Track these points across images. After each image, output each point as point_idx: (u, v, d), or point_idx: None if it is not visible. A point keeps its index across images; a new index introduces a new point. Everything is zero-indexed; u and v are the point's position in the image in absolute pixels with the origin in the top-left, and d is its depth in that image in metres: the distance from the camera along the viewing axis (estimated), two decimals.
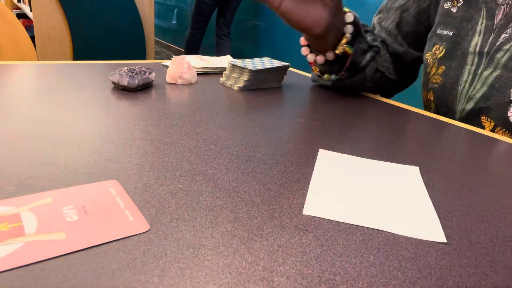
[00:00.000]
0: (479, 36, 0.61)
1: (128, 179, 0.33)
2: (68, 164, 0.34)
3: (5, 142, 0.38)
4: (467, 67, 0.62)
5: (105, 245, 0.24)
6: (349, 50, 0.64)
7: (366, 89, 0.73)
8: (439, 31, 0.67)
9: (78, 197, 0.29)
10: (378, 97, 0.72)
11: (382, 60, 0.73)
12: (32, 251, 0.23)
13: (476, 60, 0.61)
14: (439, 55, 0.67)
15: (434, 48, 0.68)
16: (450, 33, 0.65)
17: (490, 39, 0.59)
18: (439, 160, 0.43)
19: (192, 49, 3.31)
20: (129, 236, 0.25)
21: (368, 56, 0.68)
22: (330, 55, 0.64)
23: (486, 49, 0.60)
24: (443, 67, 0.66)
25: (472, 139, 0.52)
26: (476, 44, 0.61)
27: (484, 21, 0.60)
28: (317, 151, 0.42)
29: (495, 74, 0.59)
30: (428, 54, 0.70)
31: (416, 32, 0.75)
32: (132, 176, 0.33)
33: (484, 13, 0.60)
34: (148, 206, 0.29)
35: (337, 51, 0.63)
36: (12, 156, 0.35)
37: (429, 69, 0.69)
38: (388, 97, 0.82)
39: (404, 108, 0.65)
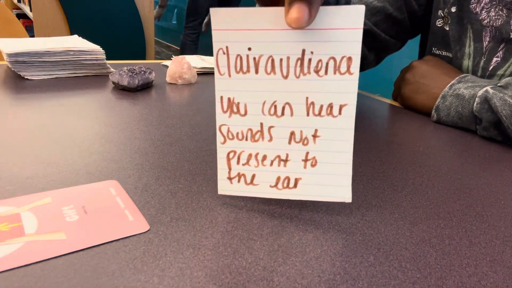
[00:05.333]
0: (469, 59, 0.60)
1: (128, 179, 0.33)
2: (68, 164, 0.34)
3: (5, 142, 0.38)
4: None
5: (105, 245, 0.24)
6: None
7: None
8: (437, 51, 0.66)
9: (78, 197, 0.29)
10: (378, 97, 0.72)
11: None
12: (32, 251, 0.23)
13: None
14: None
15: None
16: (450, 55, 0.63)
17: (482, 63, 0.58)
18: (439, 161, 0.43)
19: (187, 51, 3.13)
20: (129, 236, 0.25)
21: None
22: None
23: (479, 74, 0.59)
24: None
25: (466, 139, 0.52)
26: (467, 68, 0.60)
27: (472, 43, 0.59)
28: None
29: None
30: None
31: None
32: (132, 176, 0.33)
33: (471, 35, 0.59)
34: (148, 206, 0.29)
35: None
36: (12, 156, 0.35)
37: None
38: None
39: (405, 109, 0.65)
